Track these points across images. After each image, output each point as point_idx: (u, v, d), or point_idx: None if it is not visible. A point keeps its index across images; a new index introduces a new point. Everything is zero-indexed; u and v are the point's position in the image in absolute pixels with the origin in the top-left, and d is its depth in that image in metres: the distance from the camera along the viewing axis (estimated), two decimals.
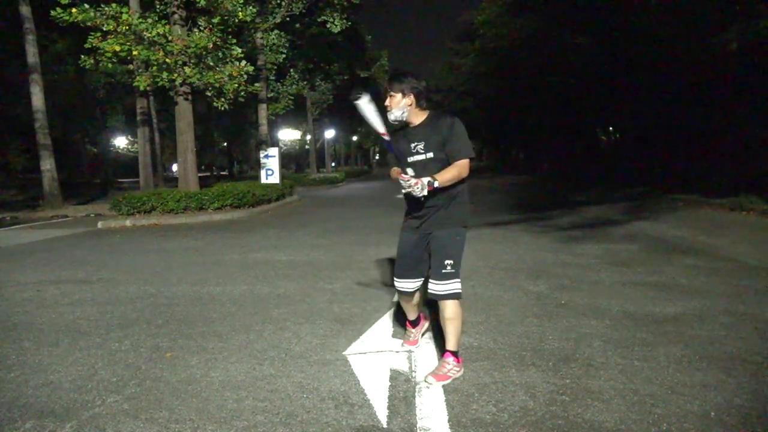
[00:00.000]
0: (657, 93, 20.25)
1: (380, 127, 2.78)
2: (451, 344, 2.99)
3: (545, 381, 2.88)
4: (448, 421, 2.49)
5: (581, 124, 31.12)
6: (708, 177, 15.00)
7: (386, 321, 4.04)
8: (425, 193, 2.75)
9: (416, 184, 2.72)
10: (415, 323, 3.49)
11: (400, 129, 3.08)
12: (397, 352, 3.39)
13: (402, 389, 2.85)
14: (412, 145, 2.97)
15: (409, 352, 3.39)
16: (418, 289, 3.22)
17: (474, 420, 2.49)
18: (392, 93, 2.93)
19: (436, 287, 2.95)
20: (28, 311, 4.75)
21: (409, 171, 2.95)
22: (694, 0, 14.31)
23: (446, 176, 2.82)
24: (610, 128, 32.76)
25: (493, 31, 28.58)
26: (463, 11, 40.99)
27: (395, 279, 3.20)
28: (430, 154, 2.92)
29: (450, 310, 2.96)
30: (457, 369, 2.97)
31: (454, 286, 2.95)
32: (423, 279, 3.17)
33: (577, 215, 10.54)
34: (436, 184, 2.78)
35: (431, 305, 4.14)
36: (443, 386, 2.85)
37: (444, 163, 2.91)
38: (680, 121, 20.65)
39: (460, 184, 2.99)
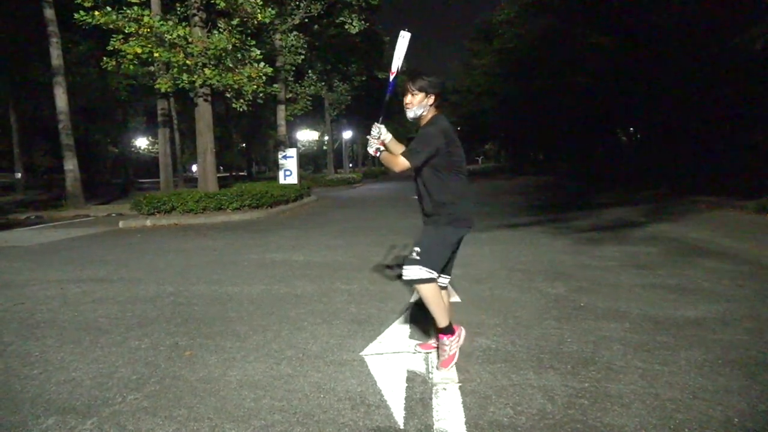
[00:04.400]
0: (679, 93, 19.96)
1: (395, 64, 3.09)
2: (436, 325, 3.07)
3: (564, 384, 2.85)
4: (465, 423, 2.47)
5: (601, 124, 30.82)
6: (732, 178, 14.74)
7: (403, 322, 4.03)
8: (373, 138, 3.07)
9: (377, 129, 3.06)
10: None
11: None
12: (414, 353, 3.39)
13: (419, 390, 2.85)
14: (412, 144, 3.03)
15: (426, 353, 3.37)
16: (441, 286, 3.17)
17: (491, 422, 2.47)
18: (415, 91, 2.96)
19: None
20: (51, 309, 4.84)
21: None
22: None
23: (395, 147, 3.13)
24: (631, 128, 32.37)
25: (512, 31, 28.47)
26: (482, 11, 40.78)
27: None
28: None
29: (417, 294, 3.11)
30: (456, 340, 3.10)
31: (409, 272, 2.94)
32: (445, 276, 3.20)
33: (596, 217, 10.43)
34: (387, 140, 3.11)
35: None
36: (460, 388, 2.84)
37: (434, 169, 2.97)
38: (703, 122, 20.33)
39: (448, 196, 2.98)
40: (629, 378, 2.90)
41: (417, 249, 2.95)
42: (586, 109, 28.32)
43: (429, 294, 2.99)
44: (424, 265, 2.92)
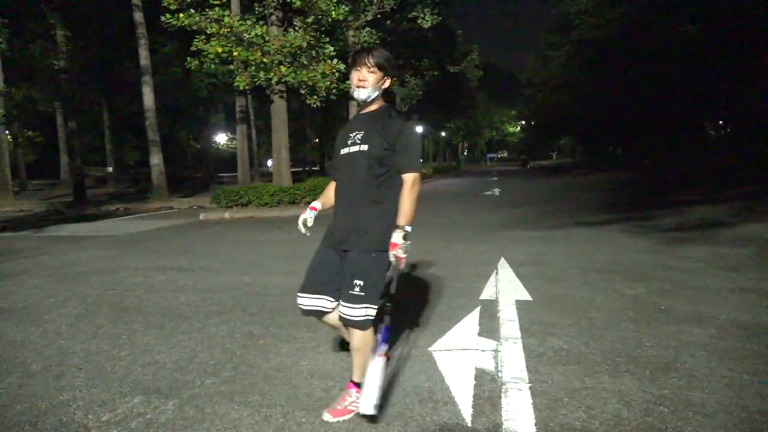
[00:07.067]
0: None
1: None
2: (356, 375, 2.60)
3: (641, 390, 2.73)
4: (535, 424, 2.42)
5: (686, 117, 29.08)
6: None
7: (472, 319, 3.99)
8: (409, 246, 2.44)
9: (397, 249, 2.40)
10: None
11: (351, 119, 2.77)
12: (483, 350, 3.34)
13: (487, 389, 2.81)
14: (352, 134, 2.59)
15: (495, 351, 3.32)
16: (322, 311, 2.64)
17: (563, 425, 2.40)
18: (372, 67, 2.51)
19: (342, 309, 2.51)
20: (138, 295, 5.15)
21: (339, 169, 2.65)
22: None
23: (408, 213, 2.47)
24: (720, 121, 30.39)
25: (590, 21, 27.41)
26: (558, 2, 39.52)
27: (299, 294, 2.67)
28: (364, 147, 2.51)
29: (356, 339, 2.53)
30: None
31: (361, 312, 2.46)
32: (330, 301, 2.61)
33: (680, 215, 9.87)
34: (408, 229, 2.45)
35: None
36: (530, 388, 2.77)
37: (374, 161, 2.50)
38: None
39: (386, 191, 2.54)
40: (714, 387, 2.73)
41: (359, 282, 2.46)
42: (669, 101, 26.80)
43: (370, 340, 2.56)
44: (372, 303, 2.49)
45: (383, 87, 2.58)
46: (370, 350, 2.54)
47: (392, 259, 2.45)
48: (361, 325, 2.48)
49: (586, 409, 2.55)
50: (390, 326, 2.57)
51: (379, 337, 2.51)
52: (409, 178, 2.52)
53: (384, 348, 2.48)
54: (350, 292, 2.47)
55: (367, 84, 2.52)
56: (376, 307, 2.51)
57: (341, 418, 2.52)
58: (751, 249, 6.41)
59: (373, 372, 2.39)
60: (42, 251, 8.35)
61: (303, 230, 2.73)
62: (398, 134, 2.52)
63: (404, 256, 2.44)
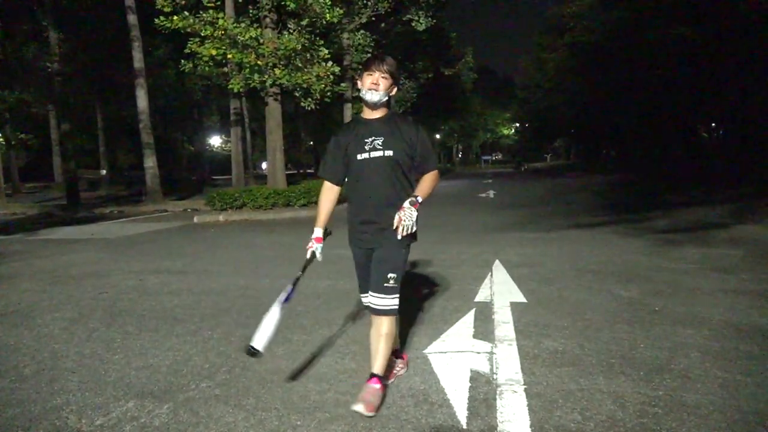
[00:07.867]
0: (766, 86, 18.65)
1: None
2: (378, 367, 2.70)
3: (636, 391, 2.73)
4: (530, 426, 2.42)
5: (680, 120, 29.24)
6: None
7: (467, 321, 3.99)
8: (415, 215, 2.55)
9: (402, 211, 2.52)
10: (397, 354, 3.12)
11: (351, 123, 2.90)
12: (478, 352, 3.34)
13: (482, 391, 2.81)
14: (369, 139, 2.70)
15: (490, 353, 3.32)
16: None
17: (558, 427, 2.40)
18: (385, 74, 2.66)
19: (375, 300, 2.71)
20: (132, 299, 5.13)
21: (359, 175, 2.75)
22: None
23: (426, 190, 2.69)
24: (713, 124, 30.57)
25: (584, 24, 27.54)
26: (552, 4, 39.77)
27: (361, 295, 2.99)
28: (389, 153, 2.67)
29: (387, 325, 2.71)
30: (381, 395, 2.69)
31: (395, 301, 2.71)
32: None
33: (674, 217, 9.92)
34: (420, 200, 2.60)
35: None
36: (525, 390, 2.77)
37: (402, 166, 2.71)
38: None
39: (409, 191, 2.73)
40: (708, 388, 2.74)
41: (393, 275, 2.69)
42: (663, 103, 26.96)
43: (396, 326, 2.81)
44: (399, 292, 2.73)
45: (391, 93, 2.73)
46: (395, 338, 2.84)
47: (395, 219, 2.53)
48: (394, 312, 2.73)
49: (581, 410, 2.55)
50: (295, 287, 2.83)
51: (288, 294, 2.78)
52: (433, 174, 2.78)
53: (286, 304, 2.76)
54: (385, 285, 2.69)
55: (379, 88, 2.66)
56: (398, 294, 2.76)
57: (373, 413, 2.54)
58: (744, 250, 6.44)
59: (274, 317, 2.66)
60: (35, 254, 8.30)
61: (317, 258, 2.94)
62: (416, 139, 2.73)
63: (408, 222, 2.51)
